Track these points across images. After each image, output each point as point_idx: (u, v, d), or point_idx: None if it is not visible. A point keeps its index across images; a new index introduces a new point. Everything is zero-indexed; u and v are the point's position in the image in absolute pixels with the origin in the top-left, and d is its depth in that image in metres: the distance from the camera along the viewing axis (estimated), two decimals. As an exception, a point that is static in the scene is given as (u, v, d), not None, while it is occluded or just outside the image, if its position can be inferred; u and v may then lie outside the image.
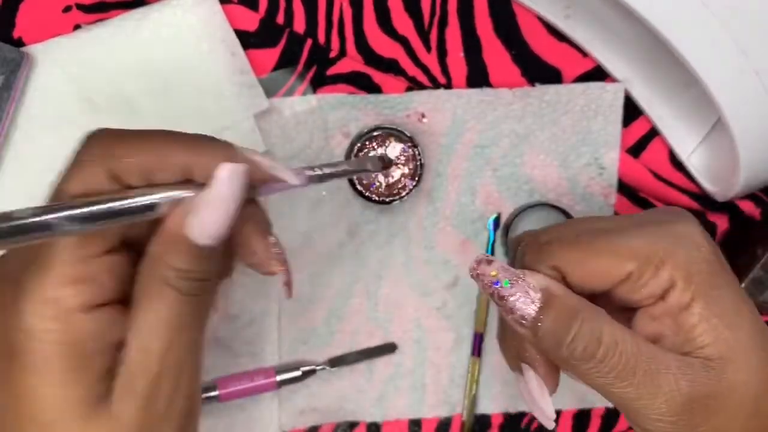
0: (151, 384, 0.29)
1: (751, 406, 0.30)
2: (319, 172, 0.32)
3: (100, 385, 0.28)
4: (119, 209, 0.27)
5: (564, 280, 0.32)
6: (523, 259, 0.33)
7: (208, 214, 0.28)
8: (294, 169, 0.31)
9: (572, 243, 0.32)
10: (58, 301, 0.27)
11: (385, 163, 0.33)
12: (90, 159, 0.29)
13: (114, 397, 0.28)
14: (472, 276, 0.32)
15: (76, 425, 0.28)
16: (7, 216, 0.24)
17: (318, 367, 0.48)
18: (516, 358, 0.33)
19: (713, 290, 0.30)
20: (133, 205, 0.27)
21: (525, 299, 0.30)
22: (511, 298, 0.31)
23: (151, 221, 0.28)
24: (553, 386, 0.33)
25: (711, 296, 0.30)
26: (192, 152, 0.29)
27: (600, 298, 0.32)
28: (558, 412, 0.50)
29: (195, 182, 0.29)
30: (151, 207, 0.28)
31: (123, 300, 0.29)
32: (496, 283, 0.31)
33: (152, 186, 0.29)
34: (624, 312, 0.33)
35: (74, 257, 0.27)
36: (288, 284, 0.33)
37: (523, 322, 0.31)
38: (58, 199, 0.28)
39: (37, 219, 0.25)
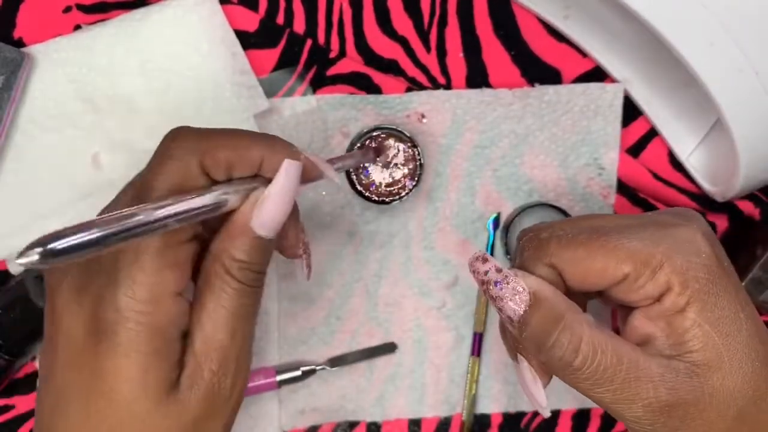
0: (216, 373, 0.30)
1: (736, 411, 0.30)
2: (339, 165, 0.36)
3: (173, 372, 0.30)
4: (210, 204, 0.29)
5: (561, 278, 0.32)
6: (522, 254, 0.34)
7: (273, 207, 0.30)
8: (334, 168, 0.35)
9: (570, 241, 0.32)
10: (153, 285, 0.29)
11: (378, 154, 0.37)
12: (181, 153, 0.30)
13: (182, 385, 0.30)
14: (470, 271, 0.33)
15: (149, 407, 0.29)
16: (122, 216, 0.26)
17: (318, 367, 0.48)
18: (513, 348, 0.34)
19: (710, 297, 0.30)
20: (220, 200, 0.30)
21: (514, 300, 0.31)
22: (501, 299, 0.31)
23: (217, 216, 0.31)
24: (545, 378, 0.33)
25: (707, 303, 0.30)
26: (267, 149, 0.31)
27: (598, 294, 0.33)
28: (558, 412, 0.50)
29: (262, 178, 0.31)
30: (224, 202, 0.30)
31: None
32: (496, 283, 0.32)
33: (232, 180, 0.31)
34: (621, 308, 0.33)
35: (165, 244, 0.29)
36: (309, 267, 0.36)
37: (511, 321, 0.31)
38: (149, 190, 0.29)
39: (150, 219, 0.27)
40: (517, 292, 0.31)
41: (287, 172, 0.31)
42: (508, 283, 0.31)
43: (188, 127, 0.32)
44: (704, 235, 0.32)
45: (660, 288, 0.31)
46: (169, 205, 0.28)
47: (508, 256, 0.48)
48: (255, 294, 0.32)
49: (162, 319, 0.29)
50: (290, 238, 0.35)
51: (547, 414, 0.34)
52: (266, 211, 0.30)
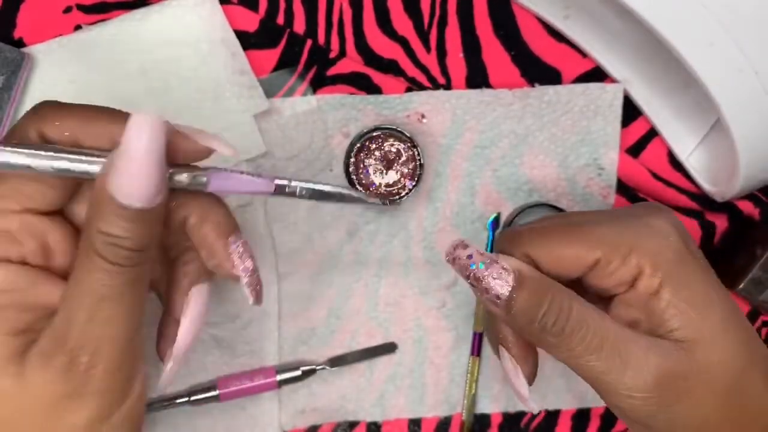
0: (67, 354, 0.28)
1: (725, 385, 0.31)
2: (296, 185, 0.32)
3: (12, 341, 0.28)
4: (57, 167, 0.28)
5: (536, 267, 0.33)
6: (497, 247, 0.35)
7: (127, 170, 0.27)
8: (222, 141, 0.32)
9: (542, 231, 0.33)
10: None
11: (384, 199, 0.34)
12: (24, 121, 0.30)
13: (28, 361, 0.28)
14: (447, 260, 0.33)
15: None
16: None
17: (318, 367, 0.48)
18: (496, 340, 0.35)
19: (681, 277, 0.32)
20: (59, 156, 0.28)
21: (499, 279, 0.31)
22: (486, 279, 0.31)
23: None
24: (528, 368, 0.34)
25: (679, 282, 0.31)
26: (115, 121, 0.29)
27: (576, 288, 0.33)
28: (558, 412, 0.50)
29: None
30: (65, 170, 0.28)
31: (54, 268, 0.30)
32: (472, 265, 0.32)
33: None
34: (601, 301, 0.34)
35: None
36: (253, 288, 0.32)
37: (497, 301, 0.32)
38: None
39: None
40: (503, 271, 0.32)
41: (132, 126, 0.27)
42: (492, 264, 0.32)
43: (45, 101, 0.31)
44: (671, 223, 0.33)
45: (632, 272, 0.32)
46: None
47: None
48: (127, 274, 0.28)
49: None
50: (218, 255, 0.32)
51: (533, 408, 0.35)
52: (122, 173, 0.27)
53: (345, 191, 0.34)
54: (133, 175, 0.27)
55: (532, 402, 0.35)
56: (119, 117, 0.30)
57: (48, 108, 0.30)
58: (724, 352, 0.31)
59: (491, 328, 0.36)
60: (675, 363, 0.31)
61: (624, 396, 0.31)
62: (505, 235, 0.35)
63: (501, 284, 0.31)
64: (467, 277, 0.32)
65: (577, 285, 0.34)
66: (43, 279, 0.30)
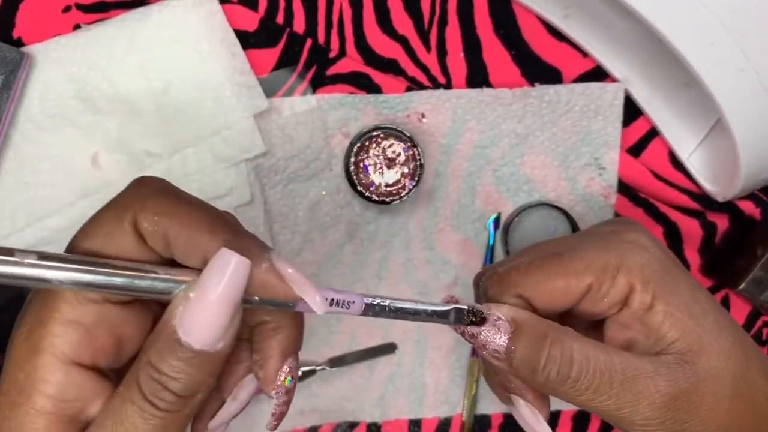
0: None
1: (730, 389, 0.31)
2: (388, 302, 0.28)
3: None
4: (120, 285, 0.25)
5: (529, 305, 0.32)
6: (486, 292, 0.33)
7: (196, 309, 0.24)
8: (319, 294, 0.27)
9: (528, 268, 0.32)
10: (36, 339, 0.25)
11: (477, 319, 0.30)
12: (125, 200, 0.26)
13: None
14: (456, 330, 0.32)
15: None
16: (7, 252, 0.23)
17: (318, 367, 0.48)
18: (504, 391, 0.34)
19: (671, 287, 0.31)
20: (135, 285, 0.25)
21: (494, 333, 0.30)
22: (482, 335, 0.31)
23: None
24: (545, 409, 0.33)
25: (670, 292, 0.31)
26: (215, 237, 0.26)
27: (567, 317, 0.33)
28: (558, 413, 0.50)
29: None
30: (155, 289, 0.25)
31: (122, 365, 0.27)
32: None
33: (170, 266, 0.26)
34: (592, 326, 0.34)
35: (68, 298, 0.26)
36: (278, 416, 0.30)
37: (497, 355, 0.31)
38: (71, 243, 0.26)
39: (34, 271, 0.23)
40: (497, 324, 0.31)
41: (220, 266, 0.24)
42: (486, 317, 0.31)
43: (155, 178, 0.27)
44: (647, 235, 0.33)
45: (623, 290, 0.31)
46: (60, 268, 0.24)
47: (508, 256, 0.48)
48: (163, 420, 0.25)
49: (34, 383, 0.25)
50: (267, 373, 0.29)
51: None
52: (190, 311, 0.24)
53: (440, 308, 0.30)
54: (201, 315, 0.24)
55: None
56: (220, 234, 0.26)
57: (153, 195, 0.27)
58: (723, 355, 0.31)
59: (494, 380, 0.35)
60: (683, 380, 0.30)
61: (641, 426, 0.30)
62: (491, 279, 0.33)
63: (497, 337, 0.30)
64: (462, 334, 0.31)
65: (566, 315, 0.33)
66: (103, 388, 0.26)
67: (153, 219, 0.25)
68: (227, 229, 0.26)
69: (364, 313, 0.28)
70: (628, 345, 0.32)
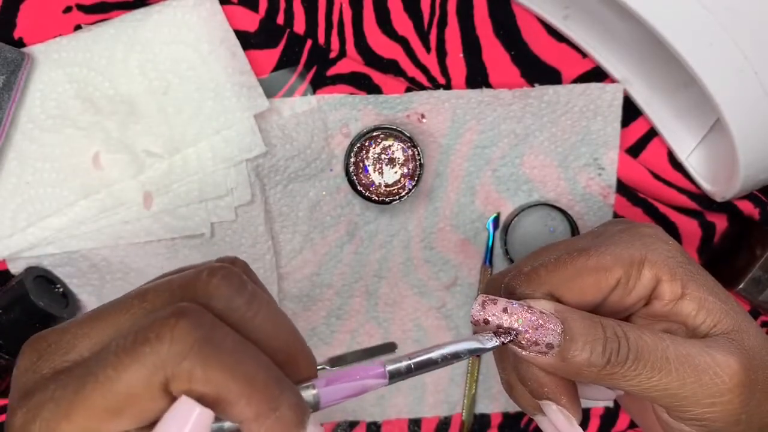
0: None
1: (765, 368, 0.30)
2: (409, 362, 0.27)
3: None
4: None
5: (559, 303, 0.31)
6: (514, 292, 0.32)
7: None
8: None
9: (556, 265, 0.32)
10: None
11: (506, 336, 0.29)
12: (155, 354, 0.22)
13: None
14: (475, 323, 0.30)
15: None
16: None
17: (318, 367, 0.48)
18: (532, 401, 0.32)
19: (695, 275, 0.31)
20: None
21: (545, 328, 0.29)
22: (529, 333, 0.29)
23: None
24: (578, 413, 0.32)
25: (697, 281, 0.31)
26: (251, 403, 0.23)
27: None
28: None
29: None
30: None
31: None
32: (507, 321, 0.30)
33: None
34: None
35: None
36: None
37: (548, 351, 0.29)
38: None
39: None
40: (546, 318, 0.29)
41: (175, 418, 0.22)
42: (532, 313, 0.29)
43: (190, 320, 0.23)
44: (660, 229, 0.33)
45: (649, 283, 0.31)
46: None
47: (508, 256, 0.48)
48: None
49: None
50: None
51: None
52: None
53: (461, 349, 0.28)
54: None
55: None
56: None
57: (195, 356, 0.22)
58: (757, 334, 0.31)
59: (520, 389, 0.33)
60: (739, 355, 0.30)
61: (707, 405, 0.29)
62: (517, 279, 0.32)
63: (548, 332, 0.29)
64: (507, 334, 0.29)
65: (592, 311, 0.32)
66: None
67: (198, 389, 0.22)
68: (270, 382, 0.23)
69: (391, 381, 0.27)
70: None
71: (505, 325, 0.29)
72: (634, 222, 0.34)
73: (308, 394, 0.25)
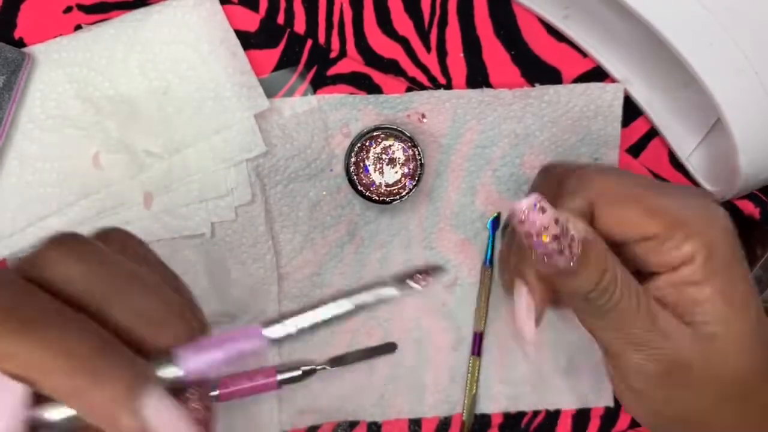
0: None
1: (744, 386, 0.31)
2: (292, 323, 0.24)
3: None
4: None
5: (590, 219, 0.31)
6: (562, 183, 0.32)
7: None
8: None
9: (614, 182, 0.31)
10: None
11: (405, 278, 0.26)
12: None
13: None
14: (513, 220, 0.29)
15: None
16: None
17: (318, 367, 0.48)
18: (512, 278, 0.33)
19: (728, 274, 0.31)
20: None
21: (565, 253, 0.28)
22: (554, 256, 0.29)
23: None
24: (542, 307, 0.32)
25: (725, 279, 0.31)
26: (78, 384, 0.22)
27: (616, 249, 0.32)
28: (558, 412, 0.50)
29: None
30: None
31: None
32: (552, 238, 0.28)
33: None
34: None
35: None
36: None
37: (550, 264, 0.29)
38: None
39: None
40: (572, 245, 0.28)
41: None
42: (565, 235, 0.28)
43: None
44: (729, 219, 0.32)
45: (683, 256, 0.30)
46: None
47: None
48: None
49: None
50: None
51: (531, 353, 0.33)
52: None
53: (351, 307, 0.26)
54: None
55: (533, 350, 0.33)
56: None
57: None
58: (749, 353, 0.30)
59: (510, 262, 0.33)
60: (690, 351, 0.30)
61: (634, 375, 0.30)
62: (569, 173, 0.32)
63: (568, 257, 0.28)
64: (534, 245, 0.28)
65: (616, 246, 0.32)
66: None
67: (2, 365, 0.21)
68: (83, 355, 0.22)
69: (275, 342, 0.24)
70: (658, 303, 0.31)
71: (532, 233, 0.28)
72: (713, 198, 0.34)
73: (165, 365, 0.23)
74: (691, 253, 0.30)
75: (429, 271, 0.26)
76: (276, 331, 0.24)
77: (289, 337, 0.24)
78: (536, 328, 0.32)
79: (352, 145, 0.46)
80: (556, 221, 0.28)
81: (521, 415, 0.50)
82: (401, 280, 0.26)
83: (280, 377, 0.47)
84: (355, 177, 0.46)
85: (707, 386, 0.30)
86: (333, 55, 0.48)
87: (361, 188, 0.46)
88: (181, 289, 0.27)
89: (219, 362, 0.24)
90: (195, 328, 0.25)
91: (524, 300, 0.32)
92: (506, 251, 0.34)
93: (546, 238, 0.28)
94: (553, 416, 0.50)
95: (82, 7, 0.47)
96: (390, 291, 0.26)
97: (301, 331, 0.25)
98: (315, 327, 0.25)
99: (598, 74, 0.49)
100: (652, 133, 0.50)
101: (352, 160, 0.46)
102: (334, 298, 0.25)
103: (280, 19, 0.48)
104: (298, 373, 0.48)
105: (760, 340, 0.31)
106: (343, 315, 0.25)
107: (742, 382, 0.31)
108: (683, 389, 0.30)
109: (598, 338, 0.31)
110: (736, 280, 0.31)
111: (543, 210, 0.28)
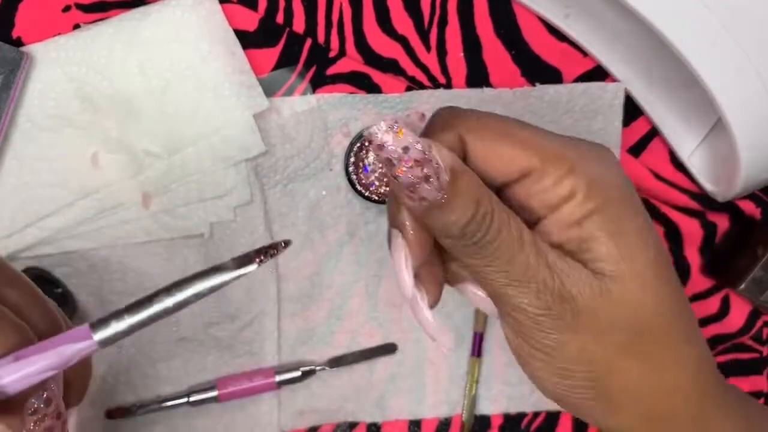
0: None
1: (644, 327, 0.29)
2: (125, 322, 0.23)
3: None
4: None
5: (463, 156, 0.29)
6: (433, 120, 0.30)
7: None
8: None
9: (486, 120, 0.29)
10: None
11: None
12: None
13: None
14: (367, 141, 0.28)
15: None
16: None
17: (318, 368, 0.48)
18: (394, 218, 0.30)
19: (614, 211, 0.29)
20: None
21: (432, 182, 0.26)
22: (420, 185, 0.26)
23: None
24: (420, 256, 0.29)
25: (610, 216, 0.29)
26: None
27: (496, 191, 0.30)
28: (558, 413, 0.50)
29: None
30: None
31: None
32: (411, 161, 0.26)
33: None
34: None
35: None
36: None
37: (416, 201, 0.27)
38: None
39: None
40: (438, 173, 0.26)
41: None
42: (429, 161, 0.26)
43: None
44: (616, 162, 0.30)
45: (563, 193, 0.28)
46: None
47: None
48: None
49: None
50: None
51: (417, 309, 0.30)
52: None
53: (192, 293, 0.24)
54: None
55: (441, 334, 0.31)
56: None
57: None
58: (651, 293, 0.28)
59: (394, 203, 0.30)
60: (580, 286, 0.28)
61: (521, 308, 0.28)
62: (445, 110, 0.30)
63: (430, 188, 0.26)
64: (391, 174, 0.26)
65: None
66: None
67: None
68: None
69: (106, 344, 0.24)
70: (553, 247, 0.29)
71: (392, 159, 0.26)
72: (606, 147, 0.31)
73: None
74: (571, 188, 0.28)
75: (270, 249, 0.24)
76: (106, 331, 0.23)
77: (121, 335, 0.23)
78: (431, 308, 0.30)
79: (352, 144, 0.46)
80: (418, 144, 0.26)
81: (521, 416, 0.50)
82: (241, 262, 0.24)
83: (279, 378, 0.47)
84: (354, 177, 0.46)
85: (610, 331, 0.28)
86: (332, 54, 0.48)
87: (361, 188, 0.46)
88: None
89: (40, 371, 0.23)
90: (12, 338, 0.24)
91: (401, 250, 0.29)
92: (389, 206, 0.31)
93: (406, 168, 0.26)
94: (553, 417, 0.50)
95: (80, 6, 0.47)
96: (223, 276, 0.24)
97: (133, 328, 0.23)
98: (149, 321, 0.23)
99: (598, 74, 0.49)
100: (653, 132, 0.50)
101: (352, 159, 0.46)
102: (167, 290, 0.23)
103: (279, 18, 0.48)
104: (298, 373, 0.48)
105: (664, 278, 0.29)
106: (178, 306, 0.24)
107: (645, 325, 0.28)
108: (584, 335, 0.28)
109: (487, 285, 0.29)
110: (627, 215, 0.29)
111: (401, 133, 0.26)
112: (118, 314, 0.23)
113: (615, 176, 0.30)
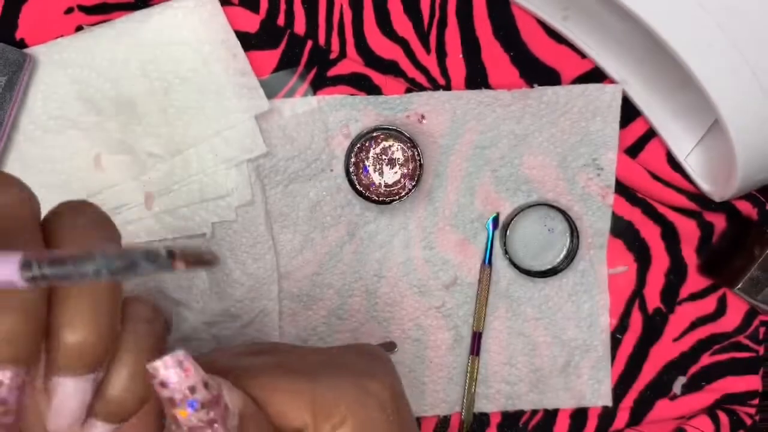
0: None
1: None
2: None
3: None
4: None
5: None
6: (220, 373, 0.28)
7: None
8: None
9: (262, 375, 0.28)
10: None
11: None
12: None
13: None
14: (152, 383, 0.23)
15: None
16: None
17: (318, 367, 0.48)
18: None
19: None
20: None
21: (216, 428, 0.23)
22: (201, 427, 0.23)
23: None
24: None
25: None
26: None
27: None
28: (556, 412, 0.50)
29: None
30: None
31: None
32: (192, 403, 0.23)
33: None
34: None
35: None
36: None
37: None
38: None
39: None
40: (226, 414, 0.24)
41: None
42: (218, 405, 0.23)
43: None
44: (392, 391, 0.29)
45: None
46: None
47: (507, 255, 0.48)
48: None
49: None
50: None
51: None
52: None
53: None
54: None
55: None
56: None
57: None
58: None
59: None
60: None
61: None
62: (232, 373, 0.27)
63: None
64: (170, 415, 0.23)
65: None
66: None
67: None
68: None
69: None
70: None
71: (176, 399, 0.23)
72: (376, 361, 0.30)
73: None
74: None
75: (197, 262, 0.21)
76: (33, 270, 0.21)
77: (41, 279, 0.21)
78: None
79: (352, 145, 0.46)
80: (206, 385, 0.23)
81: (520, 414, 0.50)
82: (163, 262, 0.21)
83: (280, 377, 0.47)
84: (354, 177, 0.46)
85: None
86: (333, 56, 0.48)
87: (361, 188, 0.46)
88: None
89: None
90: None
91: None
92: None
93: (186, 414, 0.23)
94: (551, 415, 0.50)
95: (83, 8, 0.47)
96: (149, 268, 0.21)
97: (56, 278, 0.21)
98: (75, 279, 0.21)
99: (596, 75, 0.49)
100: (651, 133, 0.50)
101: (352, 160, 0.46)
102: (103, 253, 0.21)
103: (281, 20, 0.48)
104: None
105: None
106: (112, 273, 0.21)
107: None
108: None
109: None
110: None
111: (188, 370, 0.23)
112: (51, 259, 0.21)
113: (385, 416, 0.29)
